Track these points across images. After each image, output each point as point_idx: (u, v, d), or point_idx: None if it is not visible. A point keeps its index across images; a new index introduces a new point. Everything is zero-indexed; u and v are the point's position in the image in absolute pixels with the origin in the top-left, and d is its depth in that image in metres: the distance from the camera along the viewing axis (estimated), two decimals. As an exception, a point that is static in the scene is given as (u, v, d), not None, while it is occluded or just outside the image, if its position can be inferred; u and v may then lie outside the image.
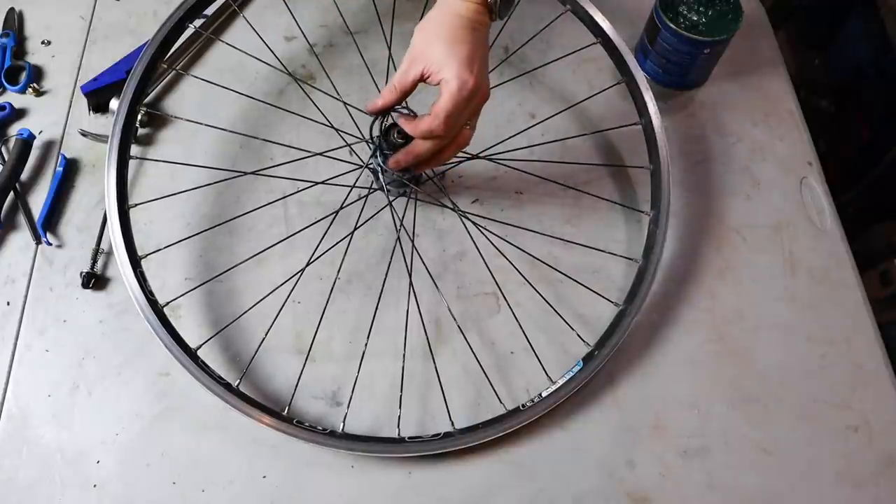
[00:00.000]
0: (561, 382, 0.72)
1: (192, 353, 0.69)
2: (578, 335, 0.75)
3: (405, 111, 0.70)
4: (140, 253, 0.73)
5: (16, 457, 0.69)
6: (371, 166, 0.80)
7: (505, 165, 0.83)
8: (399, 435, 0.70)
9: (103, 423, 0.71)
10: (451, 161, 0.82)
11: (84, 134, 0.85)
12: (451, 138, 0.67)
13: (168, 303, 0.73)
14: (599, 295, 0.78)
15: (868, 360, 0.77)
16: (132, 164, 0.83)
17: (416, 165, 0.71)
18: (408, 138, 0.69)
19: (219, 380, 0.69)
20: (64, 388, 0.73)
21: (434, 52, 0.64)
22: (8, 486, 0.68)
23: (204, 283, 0.77)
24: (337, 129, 0.82)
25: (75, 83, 0.89)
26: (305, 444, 0.68)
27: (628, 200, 0.85)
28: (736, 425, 0.74)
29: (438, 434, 0.70)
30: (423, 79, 0.65)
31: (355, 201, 0.80)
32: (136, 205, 0.75)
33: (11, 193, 0.81)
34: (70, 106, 0.88)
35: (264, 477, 0.69)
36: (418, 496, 0.69)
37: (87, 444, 0.70)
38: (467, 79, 0.63)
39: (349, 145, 0.83)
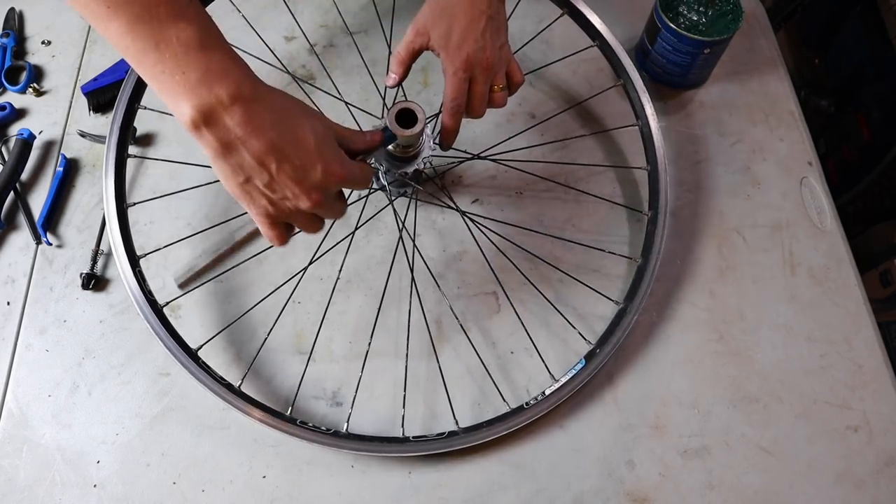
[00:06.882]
0: (564, 380, 0.72)
1: (192, 354, 0.69)
2: (580, 333, 0.75)
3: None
4: (140, 253, 0.73)
5: (16, 457, 0.69)
6: (372, 166, 0.80)
7: (505, 165, 0.84)
8: (403, 434, 0.70)
9: (103, 423, 0.71)
10: (451, 161, 0.83)
11: (83, 135, 0.85)
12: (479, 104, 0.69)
13: (168, 303, 0.73)
14: (600, 293, 0.78)
15: (868, 360, 0.77)
16: (132, 164, 0.83)
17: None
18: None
19: (220, 380, 0.69)
20: (64, 388, 0.73)
21: (434, 32, 0.66)
22: (8, 486, 0.68)
23: (203, 284, 0.77)
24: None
25: (75, 83, 0.90)
26: (306, 444, 0.68)
27: (629, 200, 0.85)
28: (736, 425, 0.74)
29: (443, 433, 0.70)
30: (427, 49, 0.68)
31: (356, 201, 0.80)
32: (134, 203, 0.75)
33: (11, 193, 0.81)
34: (70, 106, 0.88)
35: (264, 477, 0.69)
36: (418, 496, 0.69)
37: (87, 444, 0.70)
38: (458, 64, 0.65)
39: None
